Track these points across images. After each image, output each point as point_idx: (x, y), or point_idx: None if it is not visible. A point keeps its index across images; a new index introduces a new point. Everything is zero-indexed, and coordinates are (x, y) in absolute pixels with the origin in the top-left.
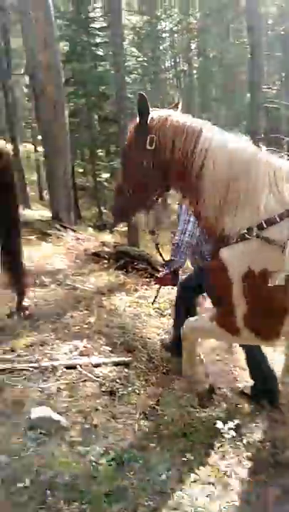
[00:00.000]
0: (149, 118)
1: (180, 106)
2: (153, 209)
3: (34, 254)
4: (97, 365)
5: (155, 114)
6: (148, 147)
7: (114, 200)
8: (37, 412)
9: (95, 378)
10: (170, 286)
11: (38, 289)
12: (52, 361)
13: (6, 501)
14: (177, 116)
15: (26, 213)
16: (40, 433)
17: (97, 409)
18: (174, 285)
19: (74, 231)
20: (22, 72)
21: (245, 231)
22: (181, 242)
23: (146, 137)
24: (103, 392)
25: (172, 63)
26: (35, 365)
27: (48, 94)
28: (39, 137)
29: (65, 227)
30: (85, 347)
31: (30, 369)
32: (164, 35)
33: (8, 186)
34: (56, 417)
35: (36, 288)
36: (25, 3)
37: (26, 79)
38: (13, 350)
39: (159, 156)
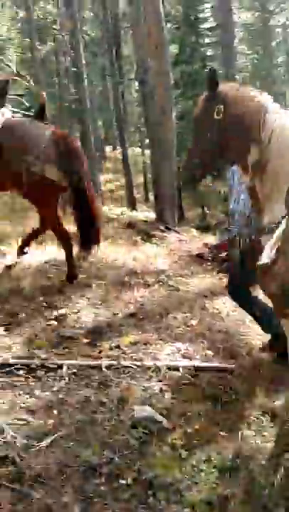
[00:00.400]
0: (218, 90)
1: None
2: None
3: (138, 254)
4: (199, 369)
5: (224, 86)
6: (215, 116)
7: (184, 163)
8: (140, 411)
9: (197, 382)
10: None
11: (142, 289)
12: (155, 361)
13: (109, 496)
14: (244, 90)
15: (132, 215)
16: (143, 432)
17: (199, 414)
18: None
19: (177, 232)
20: (132, 77)
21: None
22: (233, 211)
23: (214, 107)
24: (205, 397)
25: (285, 58)
26: (139, 363)
27: (157, 99)
28: (147, 141)
29: (168, 228)
30: (187, 349)
31: (134, 367)
32: (276, 30)
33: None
34: (159, 417)
35: (140, 288)
36: (137, 10)
37: (136, 84)
38: (118, 347)
39: (224, 126)
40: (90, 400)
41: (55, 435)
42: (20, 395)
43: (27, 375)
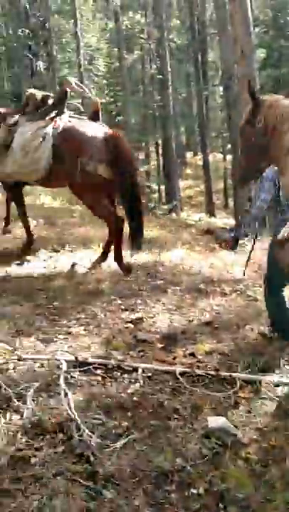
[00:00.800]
0: (261, 101)
1: None
2: None
3: (216, 261)
4: (277, 385)
5: (267, 98)
6: (257, 125)
7: (237, 169)
8: (214, 422)
9: (274, 397)
10: None
11: (219, 297)
12: (230, 372)
13: (180, 504)
14: (284, 101)
15: (210, 221)
16: (216, 443)
17: (275, 430)
18: (232, 250)
19: (257, 240)
20: (216, 83)
21: None
22: (251, 210)
23: (257, 117)
24: (283, 413)
25: None
26: (214, 373)
27: (242, 104)
28: (229, 146)
29: (248, 236)
30: (265, 363)
31: (209, 376)
32: None
33: (130, 175)
34: (233, 430)
35: (216, 296)
36: (224, 16)
37: (220, 90)
38: (192, 355)
39: (265, 134)
40: (164, 406)
41: (129, 437)
42: (96, 394)
43: (104, 375)
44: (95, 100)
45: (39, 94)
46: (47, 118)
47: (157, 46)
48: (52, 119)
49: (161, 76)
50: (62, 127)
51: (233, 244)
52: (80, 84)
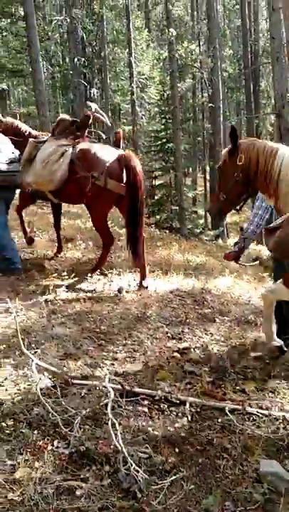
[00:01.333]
0: (238, 143)
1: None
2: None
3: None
4: None
5: (243, 140)
6: (238, 163)
7: (211, 204)
8: (267, 466)
9: None
10: None
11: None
12: (284, 412)
13: None
14: (259, 141)
15: (257, 248)
16: (269, 489)
17: None
18: (236, 261)
19: None
20: (269, 111)
21: None
22: (246, 230)
23: (237, 156)
24: None
25: None
26: (266, 412)
27: None
28: None
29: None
30: None
31: (260, 415)
32: None
33: (136, 190)
34: (287, 476)
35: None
36: (279, 46)
37: (271, 118)
38: (243, 391)
39: (247, 169)
40: (213, 444)
41: (177, 476)
42: (143, 426)
43: (150, 406)
44: (119, 131)
45: (69, 118)
46: (69, 138)
47: (210, 75)
48: (74, 139)
49: (212, 104)
50: (80, 147)
51: (235, 256)
52: (100, 111)
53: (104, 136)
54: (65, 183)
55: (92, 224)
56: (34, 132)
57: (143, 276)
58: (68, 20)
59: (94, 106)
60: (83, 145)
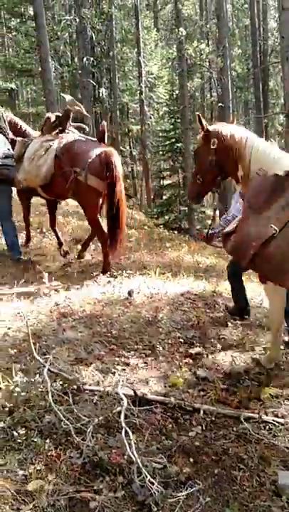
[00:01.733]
0: (210, 128)
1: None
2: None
3: None
4: None
5: (214, 125)
6: (212, 146)
7: (189, 187)
8: (285, 478)
9: None
10: None
11: (283, 335)
12: None
13: None
14: (228, 125)
15: None
16: (287, 502)
17: None
18: (208, 242)
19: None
20: (278, 110)
21: None
22: (222, 220)
23: (210, 140)
24: None
25: None
26: (282, 420)
27: None
28: None
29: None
30: None
31: (276, 424)
32: None
33: (113, 186)
34: None
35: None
36: (287, 45)
37: (280, 118)
38: (257, 399)
39: (220, 153)
40: (228, 454)
41: (193, 489)
42: (157, 434)
43: (164, 414)
44: (103, 123)
45: (53, 116)
46: (53, 133)
47: (219, 74)
48: (57, 134)
49: (221, 104)
50: (64, 142)
51: (207, 240)
52: (76, 102)
53: (87, 129)
54: (53, 178)
55: (87, 220)
56: (32, 131)
57: (105, 270)
58: (77, 20)
59: (68, 97)
60: (68, 139)
